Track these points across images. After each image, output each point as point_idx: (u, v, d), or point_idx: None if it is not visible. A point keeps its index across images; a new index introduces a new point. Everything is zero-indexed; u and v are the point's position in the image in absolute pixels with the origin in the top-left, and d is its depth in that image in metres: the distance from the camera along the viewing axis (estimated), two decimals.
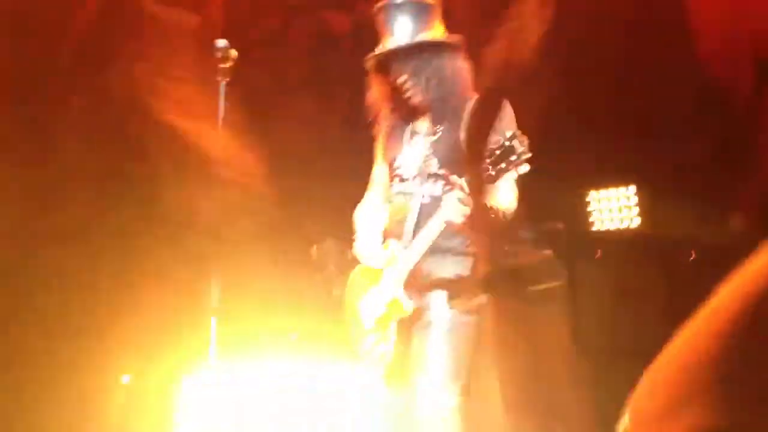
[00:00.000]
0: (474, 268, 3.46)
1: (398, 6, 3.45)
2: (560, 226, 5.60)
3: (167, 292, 5.64)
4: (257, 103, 7.41)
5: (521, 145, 3.05)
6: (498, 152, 3.07)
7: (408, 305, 3.30)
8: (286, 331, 5.44)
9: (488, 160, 3.08)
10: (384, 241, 3.59)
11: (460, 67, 3.53)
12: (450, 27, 3.68)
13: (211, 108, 3.52)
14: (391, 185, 3.66)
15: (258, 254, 5.98)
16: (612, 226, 6.35)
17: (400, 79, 3.48)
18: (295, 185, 7.23)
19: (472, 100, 3.50)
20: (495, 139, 3.13)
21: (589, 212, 6.48)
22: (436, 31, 3.51)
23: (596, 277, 5.47)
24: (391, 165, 3.67)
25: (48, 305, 5.57)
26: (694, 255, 5.46)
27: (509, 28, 4.29)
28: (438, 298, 3.37)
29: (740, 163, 6.80)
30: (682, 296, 5.37)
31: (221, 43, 3.51)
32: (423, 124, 3.58)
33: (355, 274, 3.64)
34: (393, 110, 3.63)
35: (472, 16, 4.09)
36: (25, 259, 5.73)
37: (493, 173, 3.08)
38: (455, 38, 3.52)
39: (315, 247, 6.09)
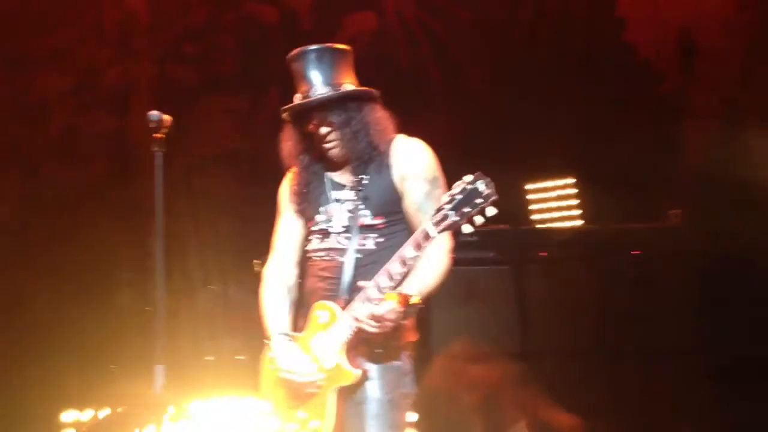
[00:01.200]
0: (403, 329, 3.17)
1: (316, 53, 3.21)
2: (504, 227, 5.58)
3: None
4: (185, 99, 7.29)
5: (487, 187, 2.81)
6: (459, 196, 2.82)
7: (356, 372, 3.03)
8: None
9: (447, 205, 2.84)
10: (317, 302, 3.21)
11: (384, 114, 3.27)
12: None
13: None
14: (309, 242, 3.32)
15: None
16: (553, 222, 6.38)
17: (323, 131, 3.20)
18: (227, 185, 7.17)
19: (397, 139, 3.27)
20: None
21: (531, 210, 6.50)
22: (355, 79, 3.28)
23: (540, 278, 5.46)
24: (310, 221, 3.31)
25: None
26: (636, 251, 5.51)
27: None
28: (372, 364, 3.11)
29: (672, 155, 6.96)
30: (624, 293, 5.46)
31: (154, 114, 3.23)
32: (344, 176, 3.28)
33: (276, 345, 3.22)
34: (309, 163, 3.31)
35: None
36: None
37: (457, 218, 2.82)
38: (375, 90, 3.30)
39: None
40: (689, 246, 5.49)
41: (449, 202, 2.84)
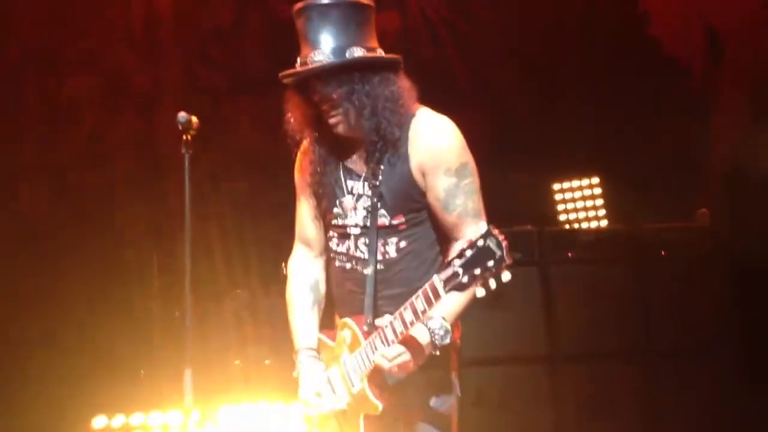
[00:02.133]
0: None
1: (324, 8, 2.71)
2: (530, 228, 5.54)
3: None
4: (212, 101, 7.32)
5: (498, 248, 2.43)
6: (469, 253, 2.44)
7: (380, 405, 2.76)
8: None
9: (457, 262, 2.46)
10: (338, 320, 2.99)
11: (400, 87, 2.77)
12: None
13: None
14: (329, 238, 2.98)
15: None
16: (580, 223, 6.32)
17: (325, 105, 2.76)
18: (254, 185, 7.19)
19: (416, 117, 2.79)
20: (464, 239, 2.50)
21: (558, 210, 6.46)
22: (371, 43, 2.76)
23: (569, 279, 5.43)
24: (325, 214, 2.96)
25: None
26: (664, 252, 5.46)
27: None
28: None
29: (700, 154, 6.88)
30: (654, 293, 5.39)
31: (182, 116, 3.12)
32: (358, 161, 2.85)
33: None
34: (319, 140, 2.89)
35: None
36: None
37: (465, 280, 2.45)
38: (393, 56, 2.80)
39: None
40: (718, 245, 5.42)
41: (459, 257, 2.47)
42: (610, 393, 5.18)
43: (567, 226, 6.33)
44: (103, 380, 5.47)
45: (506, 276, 2.45)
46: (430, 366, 2.79)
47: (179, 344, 3.05)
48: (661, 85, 7.23)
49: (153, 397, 5.25)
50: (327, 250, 3.06)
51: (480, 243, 2.44)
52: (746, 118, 6.79)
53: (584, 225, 6.30)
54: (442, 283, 2.52)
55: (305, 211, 3.09)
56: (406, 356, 2.69)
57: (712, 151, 6.91)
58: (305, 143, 3.00)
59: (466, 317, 5.02)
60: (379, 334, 2.73)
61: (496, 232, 2.46)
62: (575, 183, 6.53)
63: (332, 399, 2.89)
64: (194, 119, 3.04)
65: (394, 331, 2.68)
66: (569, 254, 5.43)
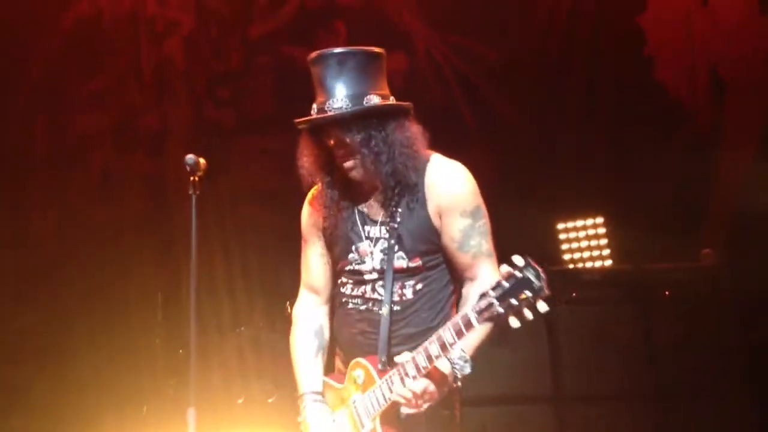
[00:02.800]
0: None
1: (338, 58, 2.78)
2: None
3: None
4: (220, 140, 7.39)
5: (537, 279, 2.44)
6: (507, 284, 2.45)
7: None
8: None
9: (492, 293, 2.48)
10: (339, 364, 3.03)
11: (414, 132, 2.83)
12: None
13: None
14: (341, 283, 2.98)
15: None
16: (583, 262, 6.33)
17: (341, 153, 2.80)
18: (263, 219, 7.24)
19: (430, 162, 2.85)
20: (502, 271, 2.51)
21: (562, 250, 6.47)
22: (384, 90, 2.84)
23: (573, 319, 5.41)
24: (338, 261, 2.95)
25: None
26: (668, 293, 5.45)
27: None
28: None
29: (705, 195, 6.90)
30: (660, 334, 5.37)
31: (190, 158, 3.18)
32: (374, 205, 2.88)
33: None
34: (331, 185, 2.92)
35: None
36: None
37: (501, 310, 2.45)
38: (406, 103, 2.87)
39: None
40: (723, 285, 5.41)
41: (495, 288, 2.49)
42: None
43: (571, 266, 6.33)
44: (106, 416, 5.46)
45: (542, 306, 2.47)
46: (435, 404, 2.80)
47: (183, 380, 3.05)
48: (666, 127, 7.28)
49: None
50: (334, 296, 3.08)
51: (518, 274, 2.47)
52: (750, 159, 6.82)
53: (588, 264, 6.30)
54: (475, 314, 2.55)
55: (312, 257, 3.10)
56: (432, 388, 2.70)
57: (716, 192, 6.93)
58: (312, 190, 3.04)
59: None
60: (398, 370, 2.73)
61: (534, 263, 2.49)
62: (579, 223, 6.55)
63: None
64: (201, 161, 3.11)
65: (417, 366, 2.68)
66: (573, 294, 5.43)
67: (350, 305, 2.97)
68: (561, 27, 7.51)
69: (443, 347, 2.63)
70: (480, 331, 2.68)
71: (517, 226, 6.40)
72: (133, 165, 7.43)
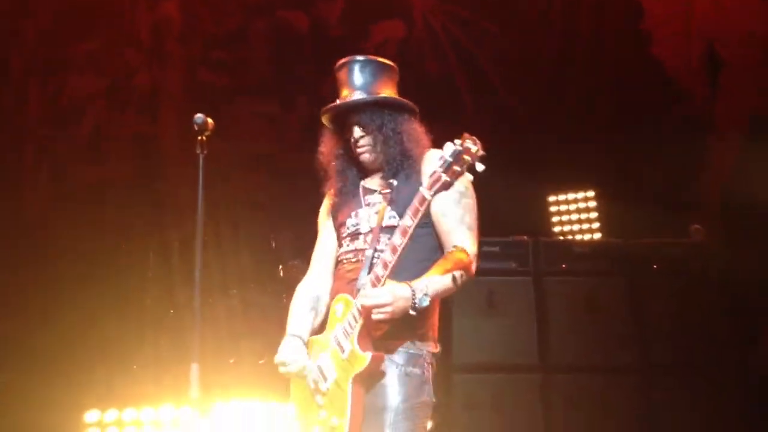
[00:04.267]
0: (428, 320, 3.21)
1: (361, 63, 3.36)
2: (525, 238, 5.59)
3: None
4: (215, 102, 7.38)
5: (474, 145, 2.91)
6: (450, 157, 2.93)
7: (365, 354, 3.02)
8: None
9: (439, 168, 2.95)
10: (335, 297, 3.27)
11: (420, 129, 3.35)
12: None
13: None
14: (340, 246, 3.37)
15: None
16: (573, 234, 6.37)
17: (357, 133, 3.32)
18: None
19: (430, 151, 3.31)
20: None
21: (552, 222, 6.50)
22: (396, 94, 3.39)
23: (562, 290, 5.46)
24: (341, 226, 3.38)
25: None
26: (656, 266, 5.49)
27: None
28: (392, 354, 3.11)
29: (696, 172, 6.94)
30: (647, 308, 5.41)
31: (199, 117, 3.32)
32: (375, 180, 3.36)
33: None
34: (343, 170, 3.42)
35: None
36: None
37: (448, 178, 2.93)
38: (412, 103, 3.39)
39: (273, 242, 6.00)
40: (712, 261, 5.44)
41: (441, 165, 2.94)
42: (602, 405, 5.18)
43: (561, 238, 6.37)
44: (96, 375, 5.49)
45: (480, 167, 2.93)
46: (405, 362, 3.13)
47: (173, 339, 3.09)
48: (660, 102, 7.30)
49: (146, 392, 5.29)
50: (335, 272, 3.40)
51: (458, 147, 2.92)
52: (743, 136, 6.86)
53: (578, 237, 6.34)
54: (427, 190, 2.98)
55: (323, 245, 3.48)
56: (388, 296, 2.96)
57: (708, 167, 6.97)
58: (332, 191, 3.45)
59: (460, 324, 5.11)
60: (364, 287, 3.05)
61: (467, 135, 2.95)
62: (570, 196, 6.59)
63: (299, 358, 3.16)
64: (210, 120, 3.23)
65: (377, 276, 3.02)
66: (563, 266, 5.47)
67: (345, 261, 3.31)
68: None
69: (404, 233, 3.00)
70: (442, 279, 3.06)
71: (508, 198, 6.48)
72: (125, 125, 7.43)
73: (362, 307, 2.99)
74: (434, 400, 3.20)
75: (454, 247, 3.16)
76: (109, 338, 6.22)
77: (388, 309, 2.95)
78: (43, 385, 5.13)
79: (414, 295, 2.96)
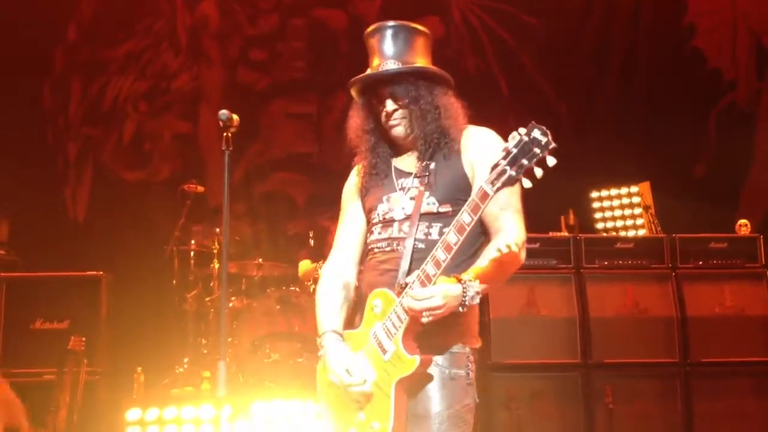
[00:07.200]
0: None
1: (393, 29, 3.04)
2: (567, 234, 5.50)
3: None
4: (254, 103, 7.41)
5: (544, 135, 2.52)
6: (515, 149, 2.54)
7: (413, 358, 2.76)
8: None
9: (503, 160, 2.56)
10: (373, 292, 2.96)
11: (457, 103, 3.02)
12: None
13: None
14: (370, 233, 3.07)
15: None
16: (617, 231, 6.27)
17: (390, 107, 2.99)
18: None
19: (467, 128, 3.02)
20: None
21: (596, 218, 6.40)
22: (430, 63, 3.06)
23: (604, 287, 5.36)
24: (371, 211, 3.07)
25: None
26: (701, 263, 5.37)
27: None
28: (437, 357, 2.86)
29: (742, 166, 6.79)
30: (693, 304, 5.32)
31: (224, 113, 3.23)
32: (409, 161, 3.05)
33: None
34: (374, 147, 3.09)
35: None
36: None
37: (514, 173, 2.54)
38: (448, 75, 3.06)
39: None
40: (759, 257, 5.34)
41: (505, 157, 2.57)
42: (644, 402, 5.11)
43: (604, 234, 6.27)
44: (137, 374, 5.52)
45: (551, 161, 2.53)
46: (449, 363, 2.87)
47: (214, 341, 3.05)
48: (704, 96, 7.18)
49: (187, 391, 5.32)
50: (364, 256, 3.12)
51: (525, 137, 2.54)
52: None
53: (622, 234, 6.24)
54: (489, 184, 2.62)
55: (348, 223, 3.19)
56: (439, 298, 2.69)
57: (755, 163, 6.83)
58: (358, 166, 3.17)
59: (500, 322, 5.05)
60: (411, 286, 2.75)
61: (535, 123, 2.56)
62: (614, 191, 6.48)
63: (358, 374, 2.86)
64: (235, 117, 3.16)
65: (427, 275, 2.72)
66: (606, 262, 5.38)
67: (376, 250, 3.03)
68: None
69: (460, 230, 2.68)
70: (491, 272, 2.77)
71: (550, 194, 6.37)
72: (166, 127, 7.50)
73: (410, 308, 2.72)
74: (477, 401, 2.97)
75: (502, 233, 2.87)
76: (150, 338, 6.27)
77: (440, 312, 2.71)
78: (86, 384, 5.15)
79: (465, 292, 2.71)
